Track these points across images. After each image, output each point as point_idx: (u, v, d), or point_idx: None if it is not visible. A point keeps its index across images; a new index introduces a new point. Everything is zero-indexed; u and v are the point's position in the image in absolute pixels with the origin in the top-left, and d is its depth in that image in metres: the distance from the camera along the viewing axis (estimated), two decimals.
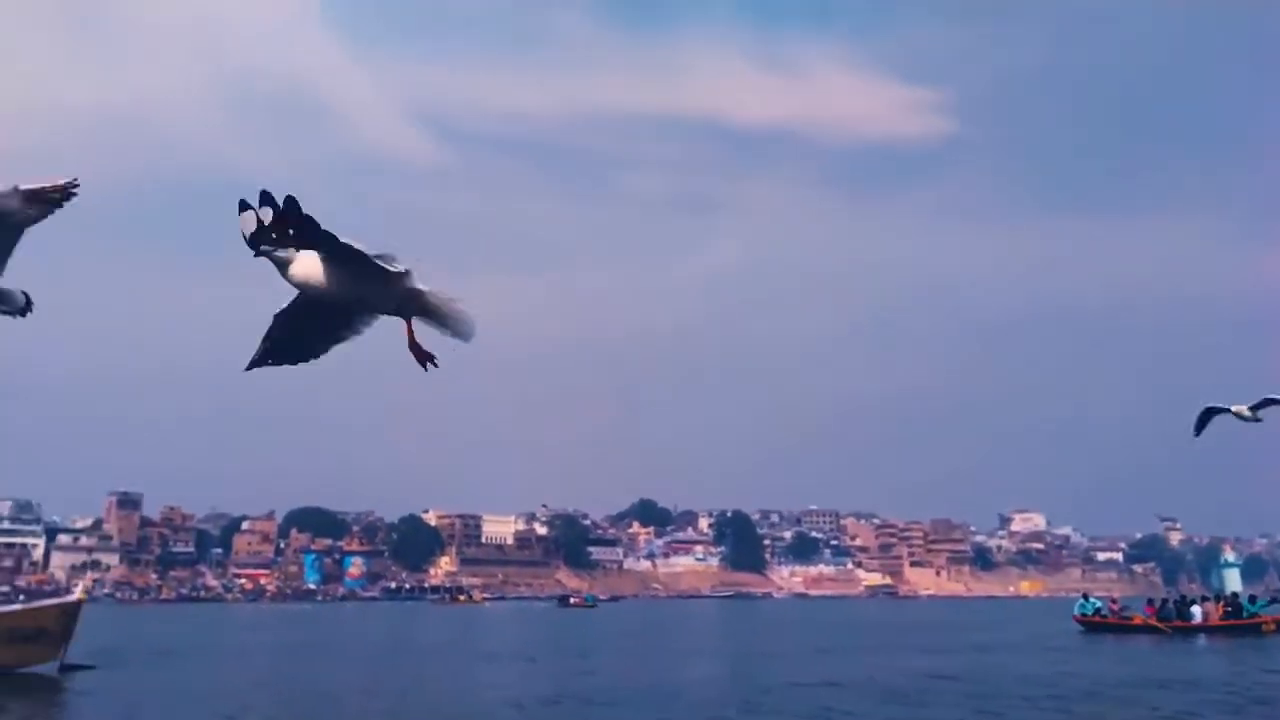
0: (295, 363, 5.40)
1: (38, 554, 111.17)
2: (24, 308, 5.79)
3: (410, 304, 4.80)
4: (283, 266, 4.65)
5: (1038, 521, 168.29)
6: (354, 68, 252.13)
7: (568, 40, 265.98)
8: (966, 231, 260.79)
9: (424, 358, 4.90)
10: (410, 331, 4.90)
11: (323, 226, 4.40)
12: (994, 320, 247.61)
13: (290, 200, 4.44)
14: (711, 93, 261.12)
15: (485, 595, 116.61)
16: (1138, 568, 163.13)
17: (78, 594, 18.80)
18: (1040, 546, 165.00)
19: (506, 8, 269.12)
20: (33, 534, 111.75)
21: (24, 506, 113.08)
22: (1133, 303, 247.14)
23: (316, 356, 5.39)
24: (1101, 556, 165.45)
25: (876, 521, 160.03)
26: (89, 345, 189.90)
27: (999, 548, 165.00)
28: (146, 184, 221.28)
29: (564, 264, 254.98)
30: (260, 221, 4.47)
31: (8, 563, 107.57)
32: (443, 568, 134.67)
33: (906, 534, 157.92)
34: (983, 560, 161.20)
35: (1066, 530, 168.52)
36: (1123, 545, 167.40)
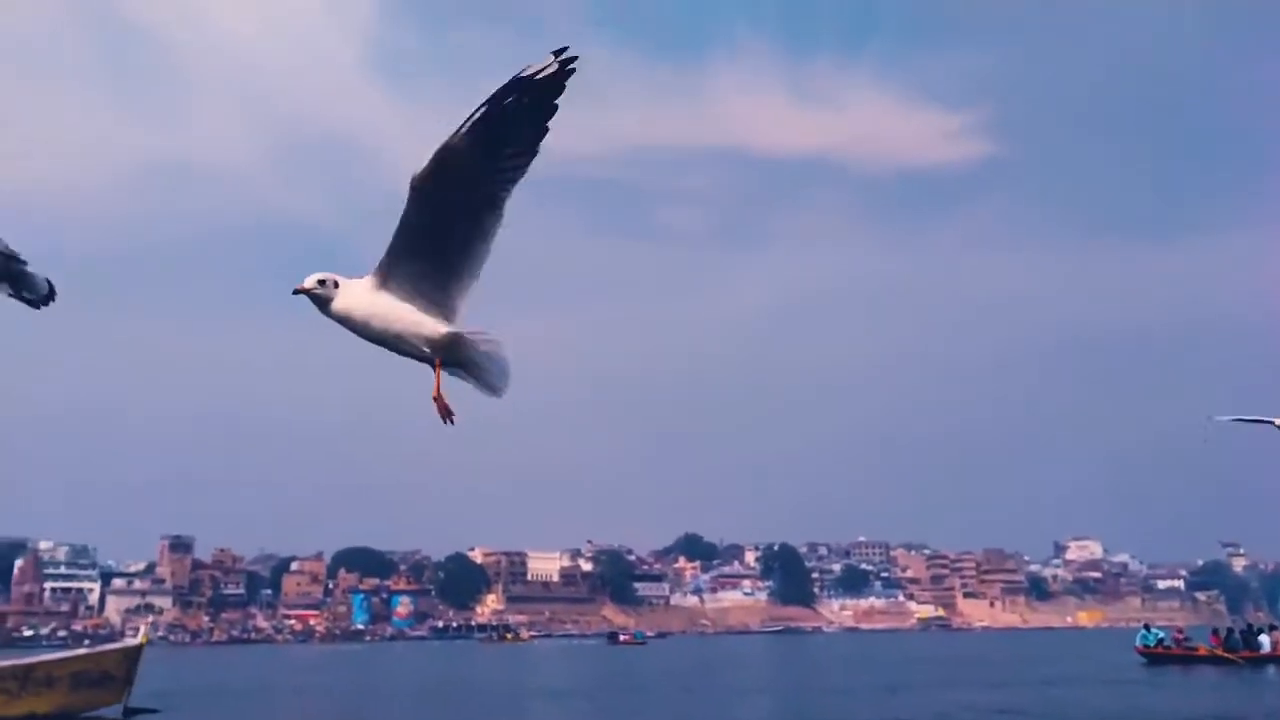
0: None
1: (93, 598, 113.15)
2: (46, 296, 5.59)
3: (447, 349, 4.71)
4: (323, 304, 4.64)
5: (1094, 549, 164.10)
6: (396, 113, 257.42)
7: (601, 76, 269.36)
8: (1010, 256, 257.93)
9: (445, 412, 4.77)
10: (438, 380, 4.76)
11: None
12: (1042, 345, 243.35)
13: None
14: (745, 124, 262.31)
15: (532, 633, 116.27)
16: (1200, 596, 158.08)
17: (139, 638, 19.08)
18: (1097, 575, 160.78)
19: (540, 48, 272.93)
20: (89, 578, 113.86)
21: (80, 551, 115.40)
22: (1188, 323, 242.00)
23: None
24: (1162, 585, 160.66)
25: (927, 552, 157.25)
26: (141, 390, 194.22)
27: (1054, 577, 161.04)
28: (202, 230, 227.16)
29: (605, 299, 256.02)
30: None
31: (64, 607, 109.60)
32: (489, 606, 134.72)
33: (958, 565, 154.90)
34: (1038, 590, 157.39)
35: (1124, 558, 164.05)
36: (1184, 573, 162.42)
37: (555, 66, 4.12)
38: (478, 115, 4.11)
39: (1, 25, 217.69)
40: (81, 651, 20.94)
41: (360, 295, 4.58)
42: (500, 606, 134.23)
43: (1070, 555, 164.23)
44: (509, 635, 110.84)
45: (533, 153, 4.32)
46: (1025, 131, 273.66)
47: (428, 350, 4.65)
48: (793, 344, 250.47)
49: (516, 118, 4.16)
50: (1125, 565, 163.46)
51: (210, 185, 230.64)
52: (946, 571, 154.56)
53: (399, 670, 43.04)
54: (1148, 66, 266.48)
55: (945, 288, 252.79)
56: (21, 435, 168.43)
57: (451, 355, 4.70)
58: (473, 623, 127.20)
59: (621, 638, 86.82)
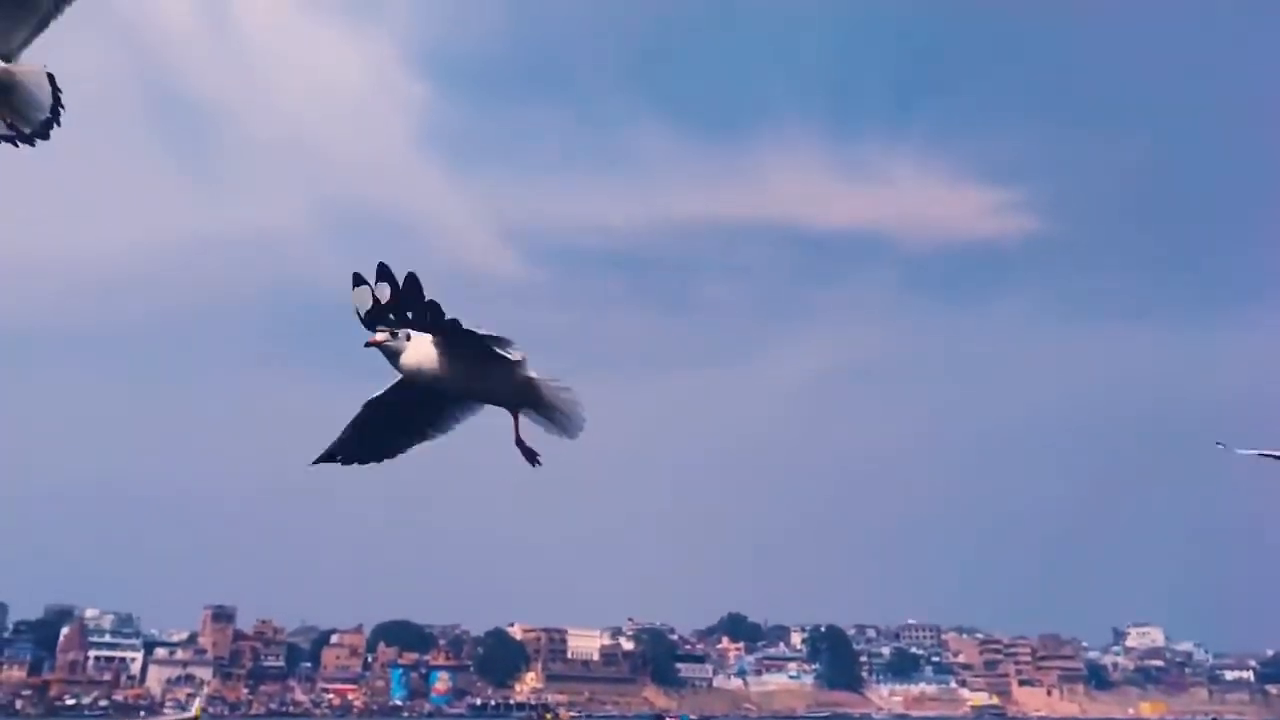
0: (366, 461, 5.30)
1: (136, 667, 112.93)
2: (45, 125, 5.32)
3: (523, 395, 4.71)
4: (393, 356, 4.58)
5: (1156, 637, 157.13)
6: (449, 189, 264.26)
7: (648, 154, 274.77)
8: (1063, 332, 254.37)
9: (530, 454, 4.82)
10: (517, 425, 4.80)
11: (444, 312, 4.31)
12: (1095, 424, 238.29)
13: (411, 278, 4.28)
14: (790, 200, 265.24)
15: (572, 714, 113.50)
16: (1272, 689, 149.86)
17: (194, 710, 18.76)
18: (1160, 664, 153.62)
19: (591, 126, 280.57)
20: (132, 647, 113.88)
21: (124, 620, 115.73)
22: (1248, 402, 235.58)
23: (392, 455, 5.30)
24: (1230, 675, 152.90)
25: (980, 636, 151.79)
26: (190, 457, 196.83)
27: (1114, 665, 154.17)
28: (255, 303, 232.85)
29: (650, 373, 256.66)
30: (376, 299, 4.37)
31: (107, 676, 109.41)
32: (528, 684, 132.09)
33: (1013, 650, 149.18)
34: (1097, 679, 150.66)
35: (1188, 646, 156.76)
36: (1253, 663, 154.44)
37: (383, 289, 4.26)
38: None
39: (64, 88, 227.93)
40: None
41: (432, 348, 4.59)
42: (540, 685, 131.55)
43: (1131, 642, 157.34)
44: (549, 715, 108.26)
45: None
46: (1070, 209, 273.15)
47: (504, 395, 4.69)
48: (839, 419, 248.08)
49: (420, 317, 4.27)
50: (1189, 654, 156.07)
51: (264, 256, 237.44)
52: (1000, 657, 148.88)
53: None
54: (1192, 146, 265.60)
55: (995, 364, 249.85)
56: (69, 501, 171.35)
57: (526, 399, 4.73)
58: (511, 700, 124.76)
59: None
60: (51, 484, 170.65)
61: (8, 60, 4.83)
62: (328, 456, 5.15)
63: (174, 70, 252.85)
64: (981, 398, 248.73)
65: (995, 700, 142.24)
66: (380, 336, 4.53)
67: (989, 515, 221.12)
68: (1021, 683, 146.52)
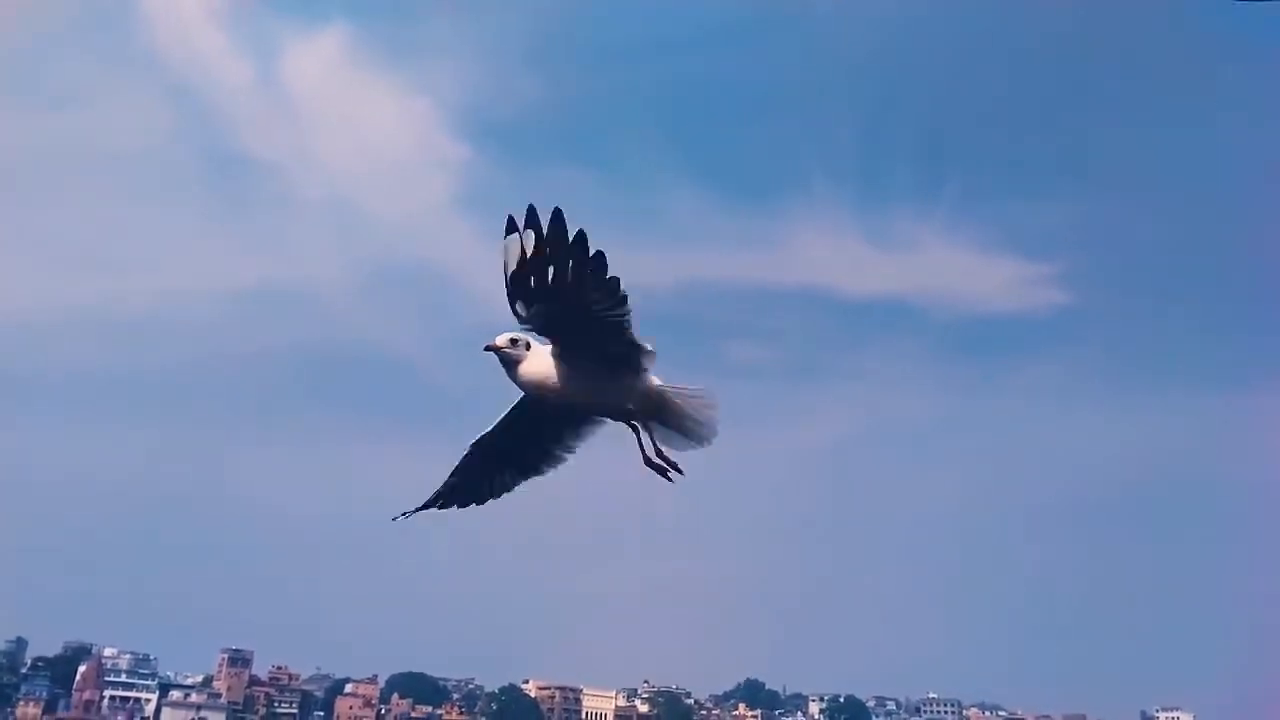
0: (468, 504, 5.10)
1: (150, 709, 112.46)
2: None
3: (649, 403, 4.43)
4: (512, 365, 4.39)
5: None
6: (485, 249, 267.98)
7: (676, 218, 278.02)
8: (1089, 406, 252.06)
9: (665, 467, 4.54)
10: (646, 438, 4.51)
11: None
12: (1126, 499, 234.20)
13: (556, 216, 4.06)
14: (820, 265, 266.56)
15: None
16: None
17: None
18: None
19: (622, 189, 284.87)
20: (148, 688, 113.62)
21: (142, 660, 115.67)
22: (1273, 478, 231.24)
23: (497, 495, 5.05)
24: None
25: (1003, 714, 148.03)
26: (214, 505, 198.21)
27: None
28: (290, 355, 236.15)
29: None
30: (531, 248, 4.13)
31: (121, 717, 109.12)
32: None
33: None
34: None
35: None
36: None
37: (529, 239, 4.07)
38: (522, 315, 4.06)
39: (118, 143, 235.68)
40: None
41: (550, 359, 4.37)
42: None
43: None
44: None
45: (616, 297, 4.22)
46: (1099, 282, 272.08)
47: (631, 406, 4.43)
48: (864, 485, 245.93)
49: (564, 285, 4.14)
50: None
51: (303, 309, 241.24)
52: None
53: None
54: (1229, 217, 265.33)
55: (1023, 437, 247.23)
56: (92, 539, 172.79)
57: (651, 409, 4.47)
58: None
59: None
60: (78, 524, 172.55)
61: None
62: (430, 503, 4.94)
63: (223, 127, 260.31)
64: (1010, 469, 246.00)
65: None
66: (500, 341, 4.38)
67: (1014, 588, 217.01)
68: None
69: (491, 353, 4.40)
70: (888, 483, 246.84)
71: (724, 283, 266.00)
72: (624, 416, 4.54)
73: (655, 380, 4.52)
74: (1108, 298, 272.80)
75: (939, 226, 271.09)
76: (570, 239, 4.16)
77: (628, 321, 4.28)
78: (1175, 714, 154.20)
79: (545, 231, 4.11)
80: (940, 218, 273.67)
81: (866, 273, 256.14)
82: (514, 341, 4.46)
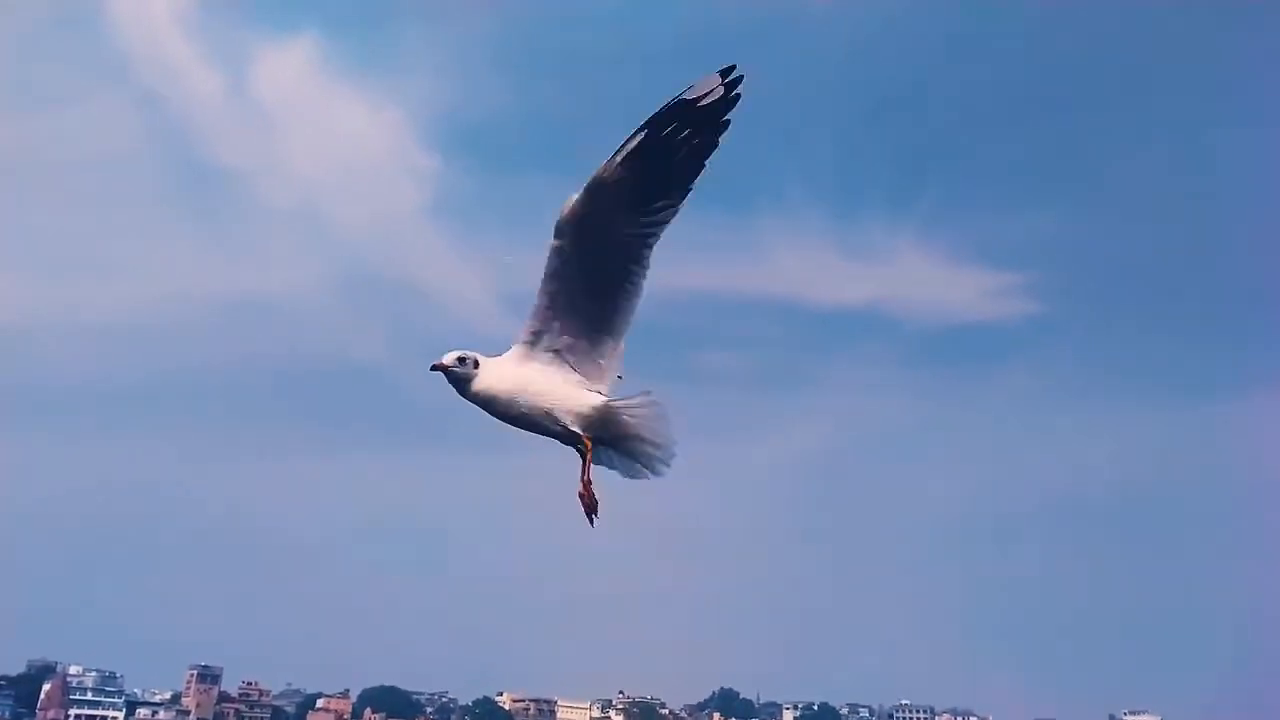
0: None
1: None
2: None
3: (604, 423, 4.24)
4: (462, 383, 4.23)
5: None
6: (457, 256, 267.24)
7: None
8: (1056, 413, 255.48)
9: (590, 507, 4.30)
10: (587, 466, 4.28)
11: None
12: (1093, 503, 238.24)
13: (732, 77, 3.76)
14: (792, 274, 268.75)
15: None
16: None
17: None
18: None
19: None
20: (114, 706, 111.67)
21: (108, 678, 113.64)
22: (1246, 484, 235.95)
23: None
24: None
25: (975, 718, 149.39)
26: (180, 515, 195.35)
27: None
28: (258, 363, 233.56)
29: None
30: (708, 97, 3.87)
31: None
32: None
33: None
34: None
35: None
36: None
37: (720, 91, 3.70)
38: (633, 144, 3.73)
39: (87, 149, 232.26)
40: None
41: (505, 371, 4.23)
42: None
43: None
44: None
45: (685, 193, 3.94)
46: (1070, 293, 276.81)
47: (578, 428, 4.21)
48: (834, 493, 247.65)
49: (674, 150, 3.75)
50: None
51: (277, 320, 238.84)
52: None
53: None
54: (1194, 230, 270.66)
55: (991, 443, 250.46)
56: (55, 555, 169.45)
57: (605, 430, 4.26)
58: None
59: None
60: (40, 539, 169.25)
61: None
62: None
63: (194, 136, 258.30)
64: (981, 477, 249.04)
65: None
66: (448, 359, 4.22)
67: (984, 594, 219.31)
68: None
69: (439, 372, 4.28)
70: (860, 491, 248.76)
71: (697, 291, 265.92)
72: (574, 438, 4.34)
73: (600, 397, 4.35)
74: (1078, 308, 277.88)
75: (912, 237, 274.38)
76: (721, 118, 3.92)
77: (653, 240, 4.16)
78: (1142, 717, 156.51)
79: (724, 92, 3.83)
80: (913, 228, 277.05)
81: (840, 282, 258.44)
82: (462, 360, 4.29)
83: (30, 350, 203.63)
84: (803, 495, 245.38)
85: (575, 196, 3.86)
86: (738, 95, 3.74)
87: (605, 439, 4.36)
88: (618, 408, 4.29)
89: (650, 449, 4.30)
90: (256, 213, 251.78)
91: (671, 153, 3.79)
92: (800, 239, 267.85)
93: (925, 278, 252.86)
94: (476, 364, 4.27)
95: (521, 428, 4.28)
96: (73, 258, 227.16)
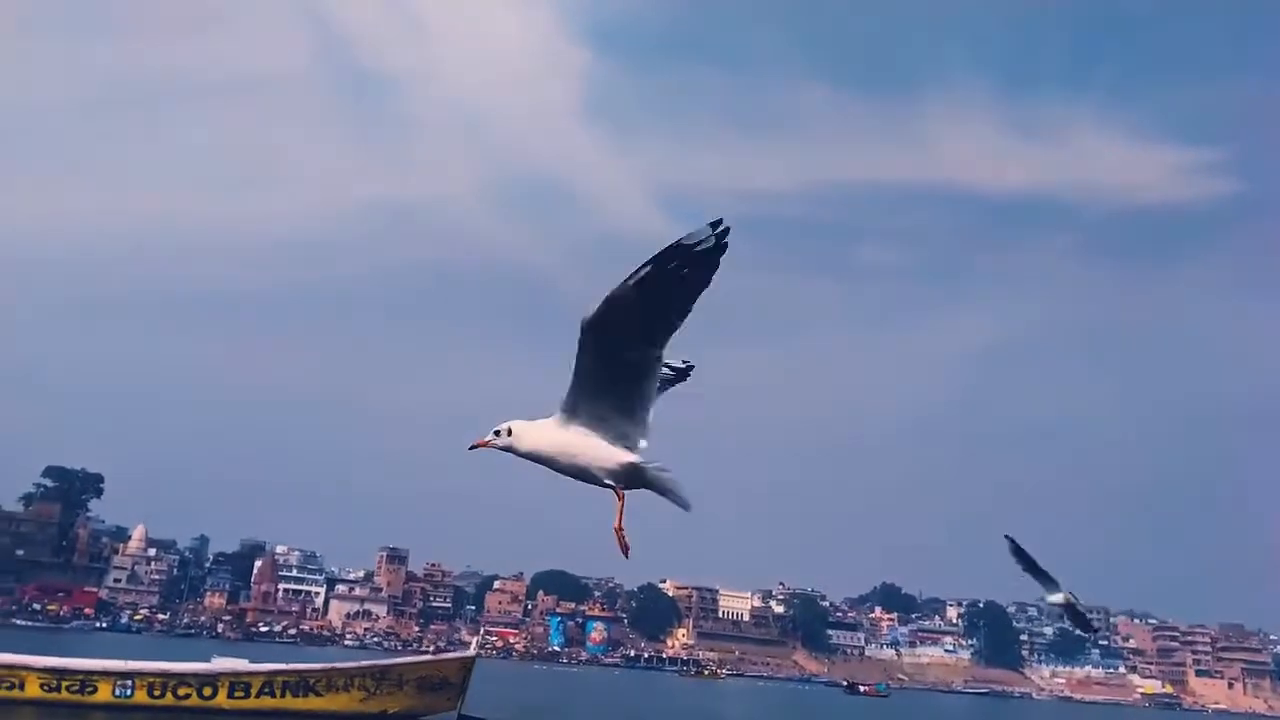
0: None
1: (319, 601, 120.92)
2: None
3: (631, 479, 5.03)
4: (508, 450, 5.02)
5: None
6: (609, 156, 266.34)
7: (804, 117, 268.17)
8: (1265, 303, 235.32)
9: (624, 546, 5.12)
10: (620, 511, 5.07)
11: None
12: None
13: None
14: (959, 161, 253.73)
15: (724, 671, 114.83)
16: None
17: (473, 650, 19.41)
18: None
19: (751, 88, 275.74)
20: (316, 582, 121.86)
21: (310, 557, 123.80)
22: None
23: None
24: None
25: (1153, 622, 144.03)
26: (361, 418, 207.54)
27: None
28: (423, 268, 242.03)
29: (806, 340, 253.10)
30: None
31: (295, 607, 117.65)
32: (679, 639, 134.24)
33: (1190, 639, 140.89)
34: None
35: None
36: None
37: (711, 241, 4.47)
38: (642, 272, 4.49)
39: (252, 65, 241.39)
40: (427, 658, 21.77)
41: (547, 434, 5.03)
42: (690, 641, 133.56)
43: None
44: (705, 672, 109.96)
45: (686, 312, 4.66)
46: (1273, 167, 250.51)
47: (610, 481, 5.03)
48: (1005, 388, 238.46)
49: (675, 279, 4.53)
50: None
51: (432, 221, 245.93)
52: (1176, 645, 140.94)
53: (678, 699, 42.19)
54: None
55: (1186, 339, 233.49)
56: (266, 449, 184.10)
57: (633, 483, 5.06)
58: (663, 654, 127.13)
59: (863, 689, 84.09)
60: (254, 435, 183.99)
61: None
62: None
63: (350, 44, 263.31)
64: (1173, 376, 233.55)
65: (1169, 689, 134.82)
66: (488, 440, 5.05)
67: (1165, 491, 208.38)
68: (1199, 673, 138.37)
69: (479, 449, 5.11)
70: (1028, 383, 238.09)
71: (855, 183, 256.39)
72: (610, 488, 5.11)
73: (630, 455, 5.04)
74: (1274, 188, 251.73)
75: (1090, 113, 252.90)
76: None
77: (663, 344, 4.78)
78: None
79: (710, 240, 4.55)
80: (1091, 103, 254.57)
81: (1011, 166, 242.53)
82: (497, 433, 5.07)
83: (206, 260, 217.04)
84: (969, 390, 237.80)
85: (596, 305, 4.58)
86: (725, 245, 4.45)
87: (636, 488, 5.11)
88: (644, 468, 5.01)
89: (673, 500, 5.01)
90: (412, 119, 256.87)
91: (674, 281, 4.53)
92: (967, 121, 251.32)
93: (1106, 158, 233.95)
94: (510, 431, 5.04)
95: (570, 477, 5.11)
96: (236, 175, 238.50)
